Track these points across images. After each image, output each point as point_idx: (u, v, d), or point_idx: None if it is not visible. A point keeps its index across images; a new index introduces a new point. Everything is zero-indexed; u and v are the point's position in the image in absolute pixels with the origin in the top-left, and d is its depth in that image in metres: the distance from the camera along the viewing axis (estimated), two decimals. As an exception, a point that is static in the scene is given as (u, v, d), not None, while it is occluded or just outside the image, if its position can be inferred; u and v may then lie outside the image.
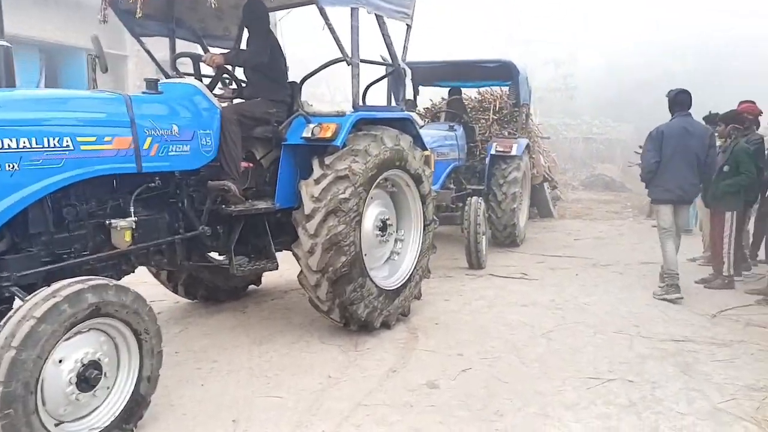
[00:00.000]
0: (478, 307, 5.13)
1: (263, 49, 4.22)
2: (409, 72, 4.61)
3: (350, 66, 4.04)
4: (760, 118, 6.38)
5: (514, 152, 8.02)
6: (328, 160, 3.95)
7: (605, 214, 14.17)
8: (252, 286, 5.53)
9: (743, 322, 4.77)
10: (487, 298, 5.46)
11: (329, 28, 3.88)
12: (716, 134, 5.86)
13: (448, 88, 9.10)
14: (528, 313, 4.99)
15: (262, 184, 4.36)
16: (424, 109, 9.92)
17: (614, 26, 32.40)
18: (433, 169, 6.67)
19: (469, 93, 10.69)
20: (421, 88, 9.62)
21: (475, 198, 6.76)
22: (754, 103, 6.36)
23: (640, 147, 11.39)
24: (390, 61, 4.53)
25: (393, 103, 4.81)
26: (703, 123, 6.06)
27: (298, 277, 4.08)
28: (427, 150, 4.99)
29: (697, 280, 6.09)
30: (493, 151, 8.05)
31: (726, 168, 5.65)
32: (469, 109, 10.51)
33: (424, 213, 4.80)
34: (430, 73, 8.83)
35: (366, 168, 4.01)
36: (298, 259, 3.99)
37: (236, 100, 4.56)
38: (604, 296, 5.54)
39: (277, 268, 4.20)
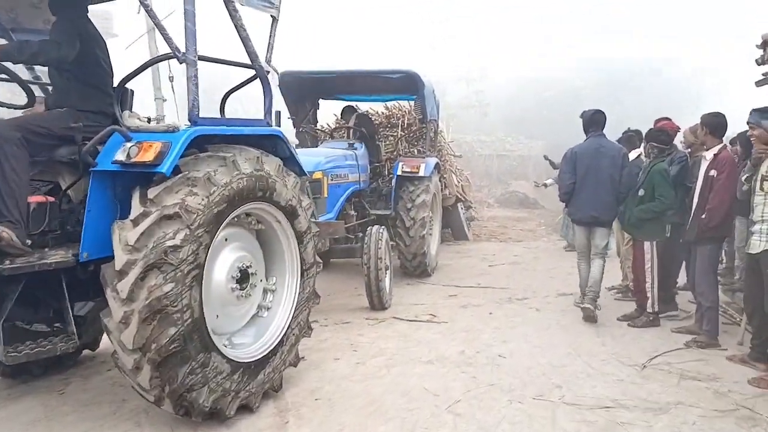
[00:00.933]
0: (374, 369, 4.16)
1: (67, 41, 3.07)
2: (276, 77, 3.61)
3: (184, 65, 2.98)
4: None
5: (422, 173, 7.23)
6: (152, 193, 2.86)
7: (520, 233, 13.82)
8: (87, 351, 4.28)
9: (676, 374, 4.10)
10: (386, 352, 4.51)
11: (148, 14, 2.82)
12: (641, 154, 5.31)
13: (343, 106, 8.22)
14: (433, 373, 4.08)
15: (73, 224, 3.19)
16: (327, 124, 8.99)
17: (523, 44, 33.24)
18: (327, 194, 5.76)
19: (377, 108, 9.90)
20: (323, 102, 8.68)
21: (376, 227, 5.84)
22: (670, 119, 5.91)
23: (545, 157, 11.21)
24: (252, 63, 3.49)
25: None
26: (616, 143, 5.81)
27: (112, 356, 2.93)
28: (305, 174, 3.98)
29: (619, 317, 5.47)
30: (399, 172, 7.23)
31: (641, 192, 5.07)
32: (376, 125, 9.73)
33: (301, 255, 3.79)
34: (329, 85, 7.89)
35: (209, 203, 2.95)
36: (108, 333, 2.85)
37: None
38: (522, 344, 4.75)
39: (75, 349, 3.03)
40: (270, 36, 3.65)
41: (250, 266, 3.47)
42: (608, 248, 5.77)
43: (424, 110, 7.46)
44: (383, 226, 6.02)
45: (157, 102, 9.24)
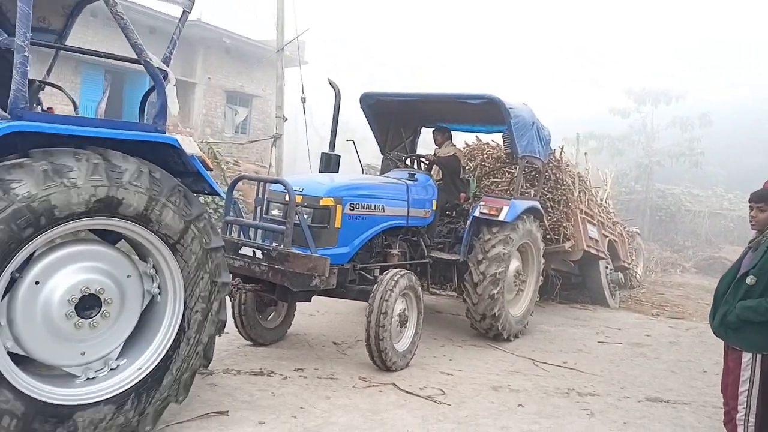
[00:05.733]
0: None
1: None
2: (172, 77, 3.06)
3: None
4: None
5: (502, 217, 6.00)
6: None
7: (698, 308, 11.08)
8: None
9: None
10: (325, 429, 3.55)
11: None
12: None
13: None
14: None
15: None
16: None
17: (758, 83, 27.88)
18: (339, 225, 4.93)
19: (498, 139, 8.77)
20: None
21: (392, 273, 4.81)
22: None
23: None
24: (139, 56, 2.99)
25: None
26: None
27: None
28: (219, 194, 3.34)
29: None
30: (476, 213, 6.11)
31: (750, 280, 3.25)
32: (493, 159, 8.63)
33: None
34: (408, 110, 7.07)
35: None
36: None
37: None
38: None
39: None
40: (175, 31, 3.13)
41: (101, 290, 2.91)
42: None
43: (513, 144, 6.21)
44: (407, 272, 4.98)
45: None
